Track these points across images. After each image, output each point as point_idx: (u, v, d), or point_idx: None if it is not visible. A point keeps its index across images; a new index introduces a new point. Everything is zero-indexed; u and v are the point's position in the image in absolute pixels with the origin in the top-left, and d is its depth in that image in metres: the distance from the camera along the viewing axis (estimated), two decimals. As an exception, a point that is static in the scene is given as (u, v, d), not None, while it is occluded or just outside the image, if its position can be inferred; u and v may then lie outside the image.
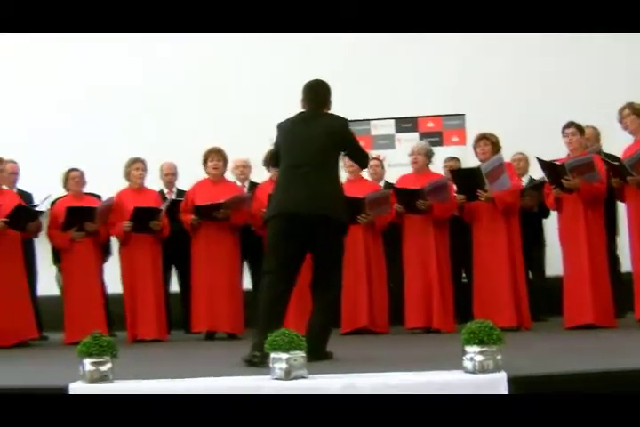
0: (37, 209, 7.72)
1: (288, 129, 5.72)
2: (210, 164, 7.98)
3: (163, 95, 10.69)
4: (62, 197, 8.17)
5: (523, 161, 8.47)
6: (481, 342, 3.98)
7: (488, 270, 7.40)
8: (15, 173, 8.42)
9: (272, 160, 6.23)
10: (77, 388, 4.08)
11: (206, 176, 8.07)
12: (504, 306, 7.25)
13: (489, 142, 7.50)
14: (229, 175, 8.49)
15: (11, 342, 7.36)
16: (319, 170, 5.53)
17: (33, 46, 10.51)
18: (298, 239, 5.42)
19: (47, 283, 8.42)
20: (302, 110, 5.76)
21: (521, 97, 10.18)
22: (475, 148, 7.60)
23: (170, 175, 8.85)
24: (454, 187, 7.66)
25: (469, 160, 8.80)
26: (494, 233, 7.41)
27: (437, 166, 8.09)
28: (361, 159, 6.07)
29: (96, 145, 10.45)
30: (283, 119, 5.79)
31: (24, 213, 7.53)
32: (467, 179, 7.51)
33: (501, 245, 7.37)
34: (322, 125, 5.61)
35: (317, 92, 5.75)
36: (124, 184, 8.15)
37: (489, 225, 7.44)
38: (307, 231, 5.39)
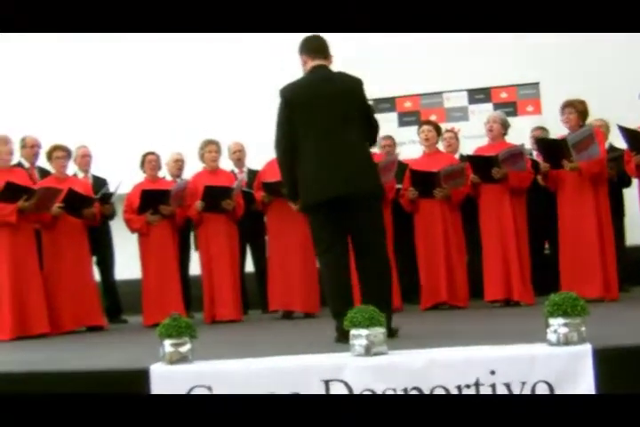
0: (98, 196, 7.80)
1: (304, 93, 5.21)
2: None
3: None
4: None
5: (603, 128, 8.24)
6: (565, 314, 3.88)
7: (576, 240, 7.19)
8: (87, 156, 8.49)
9: (283, 138, 5.28)
10: (158, 369, 4.08)
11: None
12: (593, 276, 7.07)
13: (574, 110, 7.25)
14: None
15: (73, 326, 7.50)
16: (348, 137, 5.14)
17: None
18: (338, 222, 5.16)
19: (124, 267, 8.49)
20: (312, 70, 5.29)
21: (598, 61, 9.94)
22: (561, 115, 7.38)
23: (237, 152, 8.77)
24: (538, 156, 7.51)
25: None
26: (581, 201, 7.20)
27: (513, 138, 7.93)
28: (372, 131, 5.37)
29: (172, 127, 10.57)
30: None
31: (76, 199, 7.56)
32: (551, 148, 7.32)
33: (589, 213, 7.16)
34: (342, 85, 5.20)
35: (323, 42, 5.31)
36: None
37: (576, 193, 7.23)
38: (344, 213, 5.13)
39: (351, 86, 5.25)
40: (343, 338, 4.49)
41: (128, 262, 8.36)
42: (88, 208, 7.65)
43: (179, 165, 8.63)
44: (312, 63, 5.30)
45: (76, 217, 7.61)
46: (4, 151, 7.25)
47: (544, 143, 7.53)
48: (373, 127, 5.41)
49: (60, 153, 7.70)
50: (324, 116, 5.14)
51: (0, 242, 7.08)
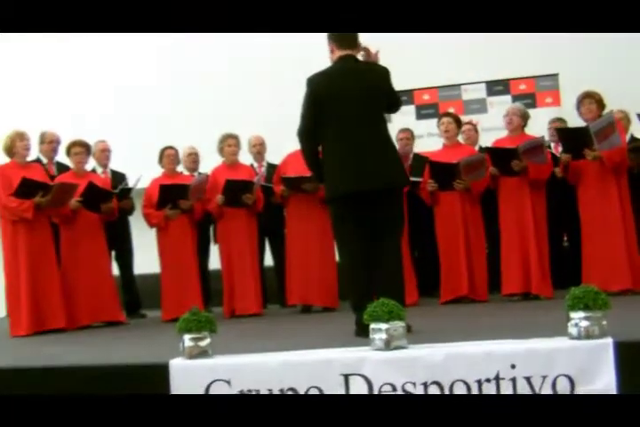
0: (117, 190, 7.80)
1: (330, 86, 5.17)
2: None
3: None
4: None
5: (624, 119, 8.18)
6: (586, 308, 3.86)
7: (599, 232, 7.11)
8: (106, 151, 8.50)
9: (307, 127, 5.27)
10: (177, 364, 4.08)
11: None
12: (619, 269, 6.99)
13: (594, 101, 7.18)
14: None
15: (91, 321, 7.50)
16: (374, 131, 5.13)
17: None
18: (360, 215, 5.12)
19: (143, 262, 8.50)
20: (339, 60, 5.23)
21: (617, 52, 9.86)
22: (578, 107, 7.28)
23: (257, 146, 8.74)
24: (556, 148, 7.44)
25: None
26: (604, 193, 7.12)
27: (532, 129, 7.88)
28: (396, 106, 5.39)
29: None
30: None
31: (96, 194, 7.56)
32: (573, 138, 7.23)
33: (612, 204, 7.08)
34: (369, 77, 5.17)
35: (352, 33, 5.25)
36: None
37: (597, 185, 7.15)
38: (367, 207, 5.09)
39: (378, 78, 5.22)
40: (363, 332, 4.48)
41: (147, 257, 8.38)
42: (106, 203, 7.66)
43: (192, 158, 8.57)
44: (339, 53, 5.25)
45: (94, 212, 7.61)
46: (21, 147, 7.26)
47: (565, 133, 7.44)
48: (396, 105, 5.38)
49: (78, 149, 7.70)
50: (350, 110, 5.10)
51: (17, 238, 7.11)
